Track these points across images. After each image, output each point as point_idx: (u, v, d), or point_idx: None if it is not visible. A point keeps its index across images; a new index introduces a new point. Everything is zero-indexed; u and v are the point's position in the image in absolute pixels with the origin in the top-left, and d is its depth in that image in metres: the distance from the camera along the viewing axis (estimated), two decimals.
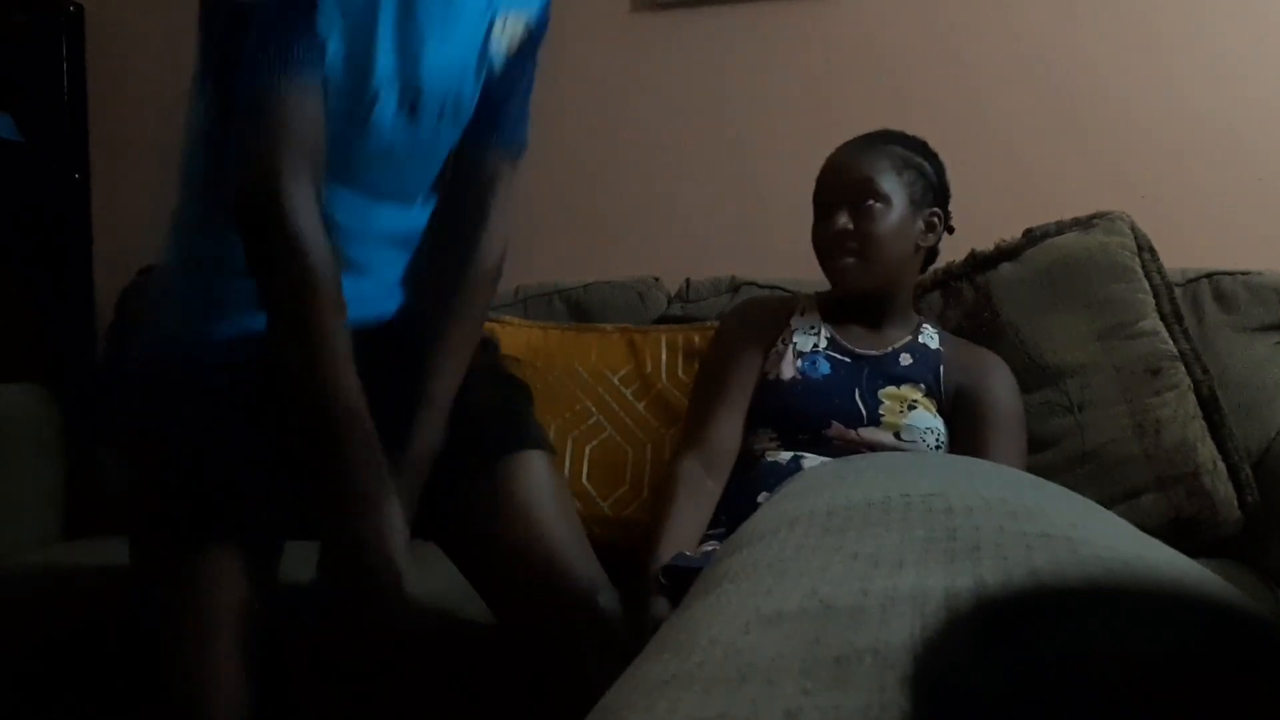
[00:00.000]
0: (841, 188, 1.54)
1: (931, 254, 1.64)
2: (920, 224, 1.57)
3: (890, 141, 1.58)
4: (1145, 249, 1.71)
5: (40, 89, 2.38)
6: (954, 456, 1.46)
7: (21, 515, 1.89)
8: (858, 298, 1.58)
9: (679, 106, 2.24)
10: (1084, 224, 1.73)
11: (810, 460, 1.48)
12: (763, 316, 1.66)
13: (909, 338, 1.60)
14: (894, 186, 1.53)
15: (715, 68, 2.23)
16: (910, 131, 1.63)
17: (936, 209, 1.59)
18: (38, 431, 1.97)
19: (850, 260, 1.53)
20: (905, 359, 1.57)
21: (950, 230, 1.62)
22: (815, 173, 1.62)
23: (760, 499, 1.42)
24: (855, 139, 1.59)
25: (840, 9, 2.16)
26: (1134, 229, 1.71)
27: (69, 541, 1.94)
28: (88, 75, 2.44)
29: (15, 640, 1.56)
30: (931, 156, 1.60)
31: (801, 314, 1.64)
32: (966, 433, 1.53)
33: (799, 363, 1.56)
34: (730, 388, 1.56)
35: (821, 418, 1.51)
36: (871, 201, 1.52)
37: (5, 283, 2.32)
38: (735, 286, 1.97)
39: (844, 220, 1.52)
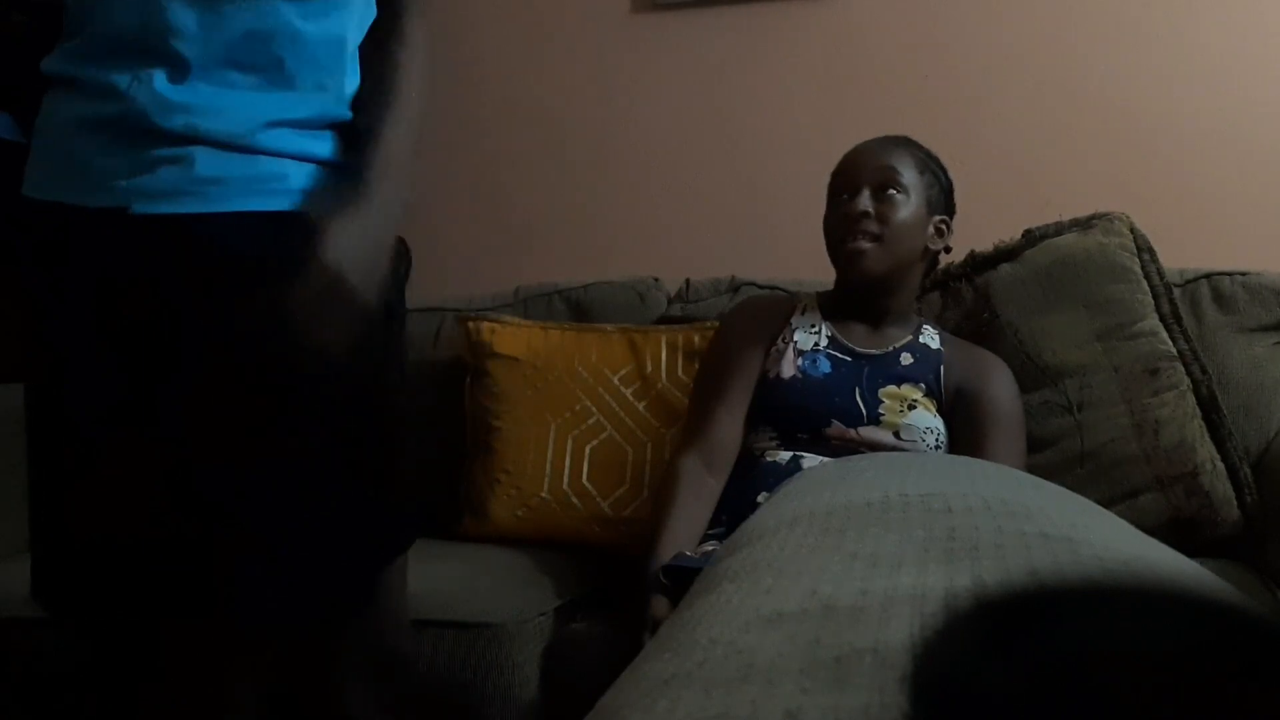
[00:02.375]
0: (865, 172, 1.55)
1: (933, 263, 1.65)
2: (931, 228, 1.58)
3: (911, 144, 1.61)
4: (1144, 249, 1.71)
5: (39, 89, 2.38)
6: (953, 457, 1.46)
7: (22, 515, 1.88)
8: (862, 288, 1.58)
9: (679, 106, 2.24)
10: (1083, 224, 1.73)
11: (810, 460, 1.48)
12: (764, 315, 1.66)
13: (910, 337, 1.60)
14: (914, 182, 1.56)
15: (715, 68, 2.23)
16: (910, 131, 1.65)
17: (946, 217, 1.61)
18: None
19: (866, 244, 1.53)
20: (906, 358, 1.57)
21: (948, 250, 1.64)
22: (816, 172, 1.62)
23: (760, 499, 1.43)
24: (876, 138, 1.61)
25: (840, 9, 2.16)
26: (1133, 229, 1.72)
27: None
28: None
29: (14, 640, 1.55)
30: (944, 170, 1.63)
31: (802, 313, 1.64)
32: (966, 433, 1.53)
33: (799, 361, 1.56)
34: (731, 385, 1.57)
35: (821, 416, 1.51)
36: (893, 191, 1.54)
37: (5, 283, 2.32)
38: (735, 286, 1.97)
39: (865, 202, 1.53)
